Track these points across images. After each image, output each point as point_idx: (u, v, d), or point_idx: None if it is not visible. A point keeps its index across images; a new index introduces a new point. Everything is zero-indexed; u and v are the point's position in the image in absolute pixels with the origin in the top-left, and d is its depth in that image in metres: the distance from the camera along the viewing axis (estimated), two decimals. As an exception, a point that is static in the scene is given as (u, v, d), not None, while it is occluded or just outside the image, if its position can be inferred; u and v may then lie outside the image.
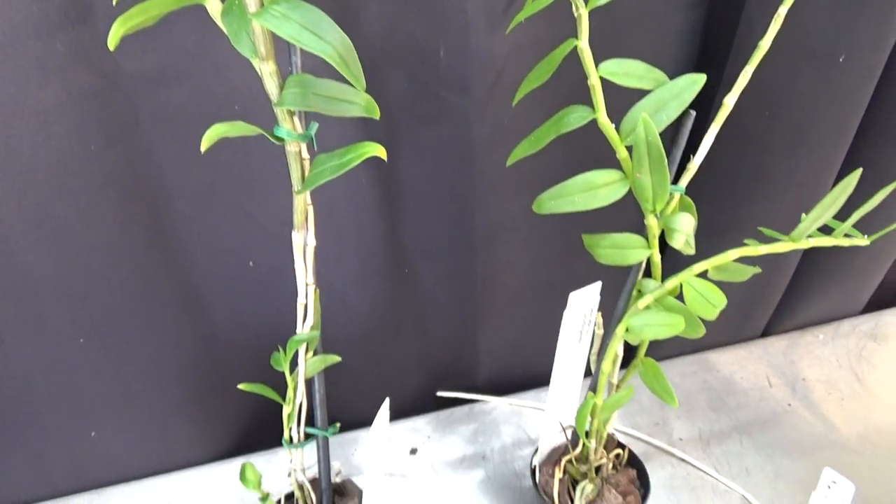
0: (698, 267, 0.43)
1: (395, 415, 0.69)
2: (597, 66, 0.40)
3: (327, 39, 0.28)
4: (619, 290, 0.49)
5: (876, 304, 0.88)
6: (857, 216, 0.38)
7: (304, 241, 0.40)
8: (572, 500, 0.54)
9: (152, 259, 0.54)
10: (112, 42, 0.28)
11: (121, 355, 0.57)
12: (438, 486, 0.65)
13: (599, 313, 0.51)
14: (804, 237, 0.40)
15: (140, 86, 0.46)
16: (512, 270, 0.66)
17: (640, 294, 0.46)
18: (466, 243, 0.62)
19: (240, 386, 0.45)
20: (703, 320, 0.43)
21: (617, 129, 0.41)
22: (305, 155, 0.36)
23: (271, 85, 0.32)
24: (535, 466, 0.57)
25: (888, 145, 0.63)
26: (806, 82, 0.56)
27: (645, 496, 0.55)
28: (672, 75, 0.41)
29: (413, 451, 0.69)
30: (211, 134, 0.32)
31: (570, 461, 0.55)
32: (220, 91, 0.48)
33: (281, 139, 0.34)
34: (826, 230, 0.40)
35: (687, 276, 0.43)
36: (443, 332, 0.69)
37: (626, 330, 0.45)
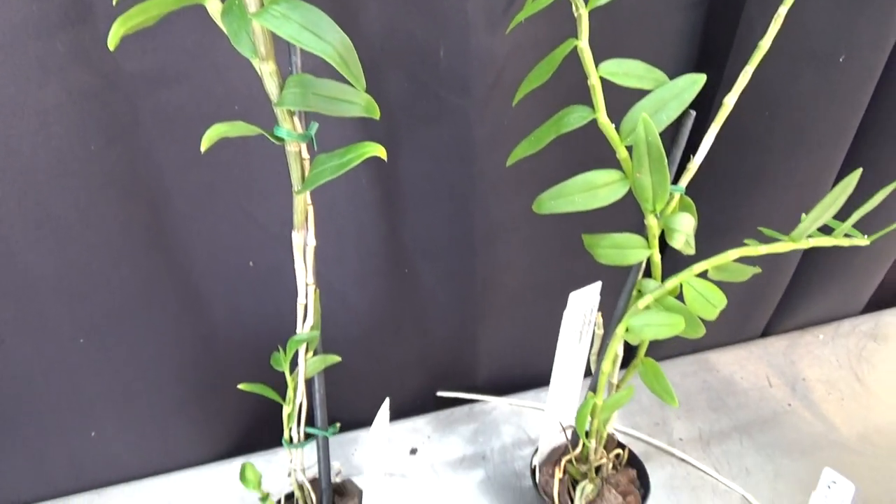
0: (698, 267, 0.43)
1: (396, 415, 0.70)
2: (597, 66, 0.40)
3: (327, 39, 0.28)
4: (619, 291, 0.49)
5: (876, 304, 0.88)
6: (856, 216, 0.38)
7: (304, 241, 0.40)
8: (572, 500, 0.54)
9: (152, 259, 0.54)
10: (112, 42, 0.28)
11: (121, 355, 0.57)
12: (438, 486, 0.65)
13: (599, 313, 0.51)
14: (804, 237, 0.40)
15: (140, 86, 0.46)
16: (512, 270, 0.66)
17: (640, 294, 0.46)
18: (466, 243, 0.62)
19: (240, 386, 0.45)
20: (703, 320, 0.43)
21: (617, 129, 0.41)
22: (305, 155, 0.36)
23: (271, 85, 0.32)
24: (535, 466, 0.57)
25: (888, 145, 0.63)
26: (806, 82, 0.56)
27: (645, 496, 0.55)
28: (672, 75, 0.41)
29: (413, 451, 0.69)
30: (211, 134, 0.32)
31: (570, 461, 0.55)
32: (220, 91, 0.48)
33: (281, 139, 0.34)
34: (826, 230, 0.40)
35: (687, 276, 0.43)
36: (443, 332, 0.69)
37: (626, 330, 0.45)
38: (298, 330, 0.43)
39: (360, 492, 0.55)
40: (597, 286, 0.48)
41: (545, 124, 0.42)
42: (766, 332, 0.84)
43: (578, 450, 0.55)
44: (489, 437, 0.70)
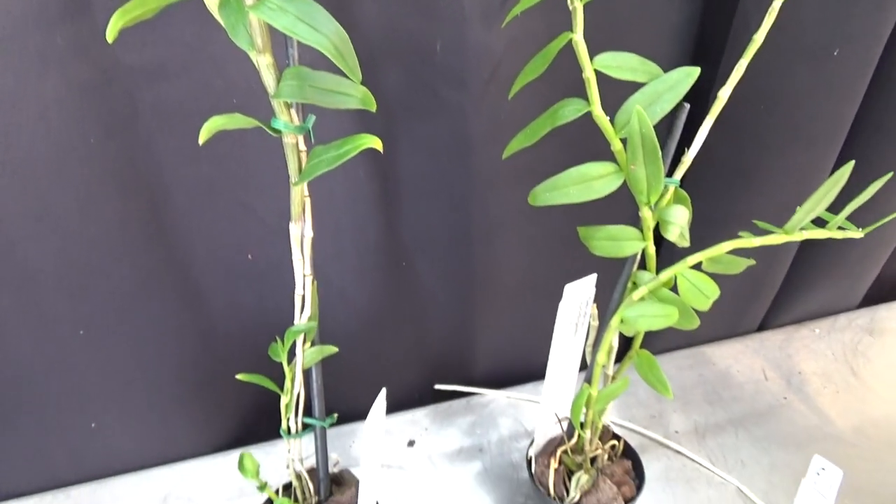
0: (692, 259, 0.43)
1: (394, 407, 0.70)
2: (592, 59, 0.40)
3: (323, 31, 0.28)
4: (614, 284, 0.50)
5: (872, 298, 0.88)
6: (850, 208, 0.39)
7: (301, 233, 0.40)
8: (568, 491, 0.54)
9: (152, 251, 0.54)
10: (111, 35, 0.28)
11: (120, 347, 0.57)
12: (436, 478, 0.66)
13: (595, 305, 0.51)
14: (797, 229, 0.40)
15: (139, 79, 0.46)
16: (509, 264, 0.66)
17: (635, 286, 0.46)
18: (463, 237, 0.62)
19: (238, 376, 0.46)
20: (700, 314, 0.43)
21: (612, 121, 0.41)
22: (302, 147, 0.36)
23: (268, 77, 0.32)
24: (531, 457, 0.58)
25: (883, 138, 0.63)
26: (801, 75, 0.56)
27: (640, 487, 0.55)
28: (668, 69, 0.41)
29: (411, 443, 0.69)
30: (209, 126, 0.32)
31: (565, 452, 0.56)
32: (218, 84, 0.48)
33: (278, 131, 0.34)
34: (820, 223, 0.40)
35: (681, 268, 0.43)
36: (440, 326, 0.69)
37: (621, 321, 0.46)
38: (296, 321, 0.44)
39: (358, 481, 0.55)
40: (592, 278, 0.48)
41: (540, 117, 0.43)
42: (762, 326, 0.85)
43: (574, 441, 0.55)
44: (486, 430, 0.71)
